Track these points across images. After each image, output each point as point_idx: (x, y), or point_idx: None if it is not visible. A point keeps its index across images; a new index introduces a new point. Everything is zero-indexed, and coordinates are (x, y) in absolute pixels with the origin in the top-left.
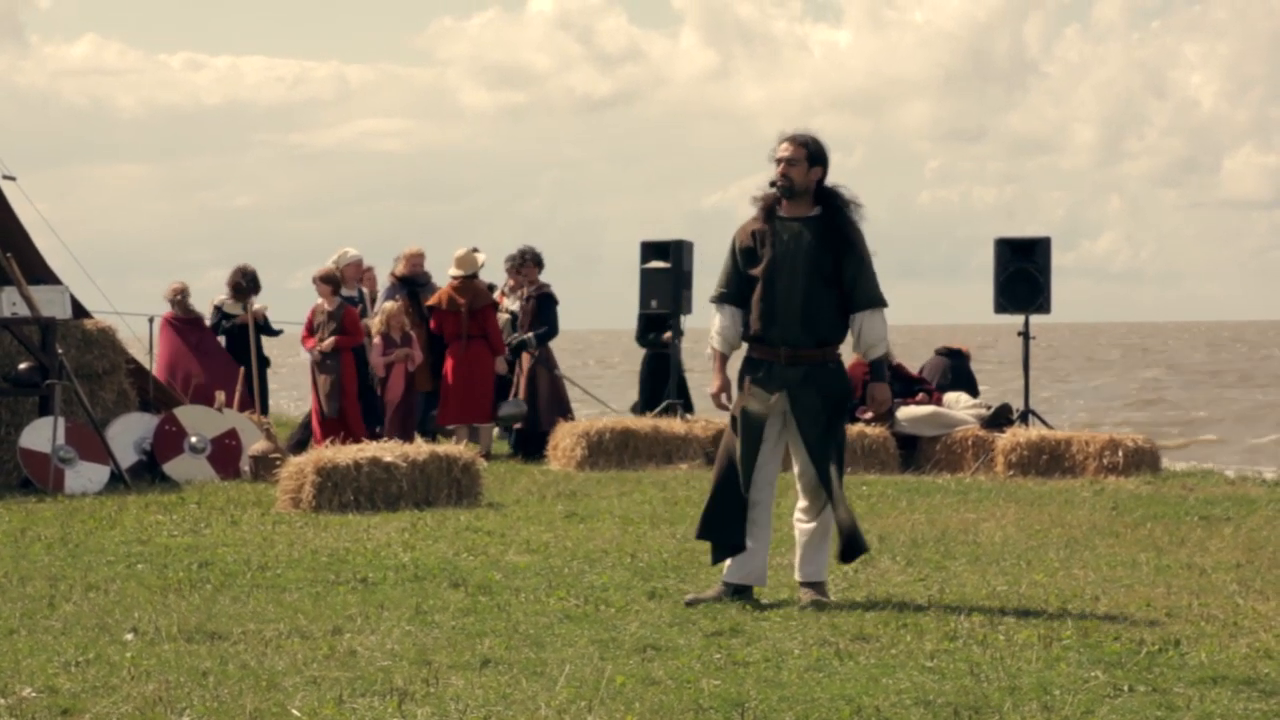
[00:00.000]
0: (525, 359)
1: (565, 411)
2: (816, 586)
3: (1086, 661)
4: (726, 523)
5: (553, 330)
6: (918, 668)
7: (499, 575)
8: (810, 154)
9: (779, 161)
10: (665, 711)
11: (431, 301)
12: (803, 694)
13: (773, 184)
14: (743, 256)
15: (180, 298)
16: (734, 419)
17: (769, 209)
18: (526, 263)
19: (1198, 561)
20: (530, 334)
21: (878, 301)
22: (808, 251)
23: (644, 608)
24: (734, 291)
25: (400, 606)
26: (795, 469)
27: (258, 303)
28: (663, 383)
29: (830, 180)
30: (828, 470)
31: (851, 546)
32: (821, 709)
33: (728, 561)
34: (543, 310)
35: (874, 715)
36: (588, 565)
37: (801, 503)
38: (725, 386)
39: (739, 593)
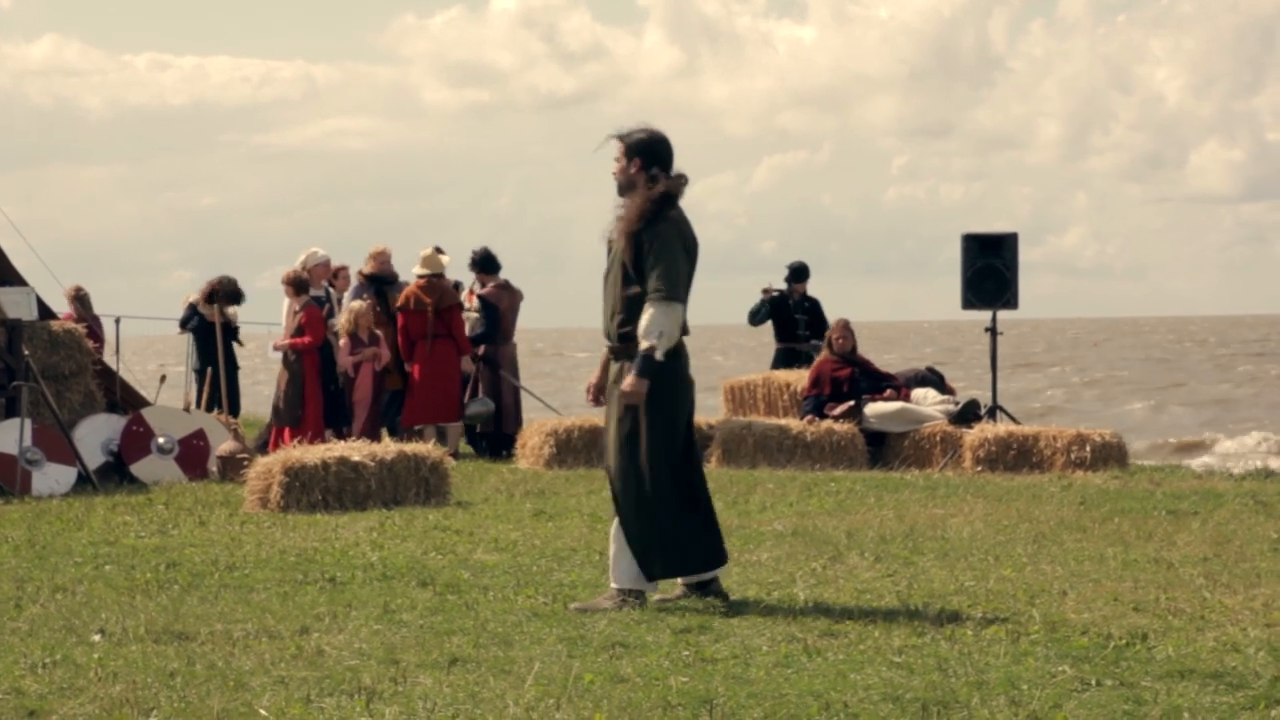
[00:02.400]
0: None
1: (510, 418)
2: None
3: (1054, 656)
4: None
5: (488, 334)
6: (886, 663)
7: (467, 574)
8: (627, 149)
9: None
10: (633, 709)
11: (399, 302)
12: (771, 690)
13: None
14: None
15: (80, 297)
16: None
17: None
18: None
19: (1165, 556)
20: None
21: (661, 293)
22: (617, 246)
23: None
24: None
25: (368, 605)
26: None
27: (232, 310)
28: None
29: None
30: (618, 476)
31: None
32: (789, 705)
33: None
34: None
35: (842, 711)
36: (556, 563)
37: None
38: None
39: (635, 595)
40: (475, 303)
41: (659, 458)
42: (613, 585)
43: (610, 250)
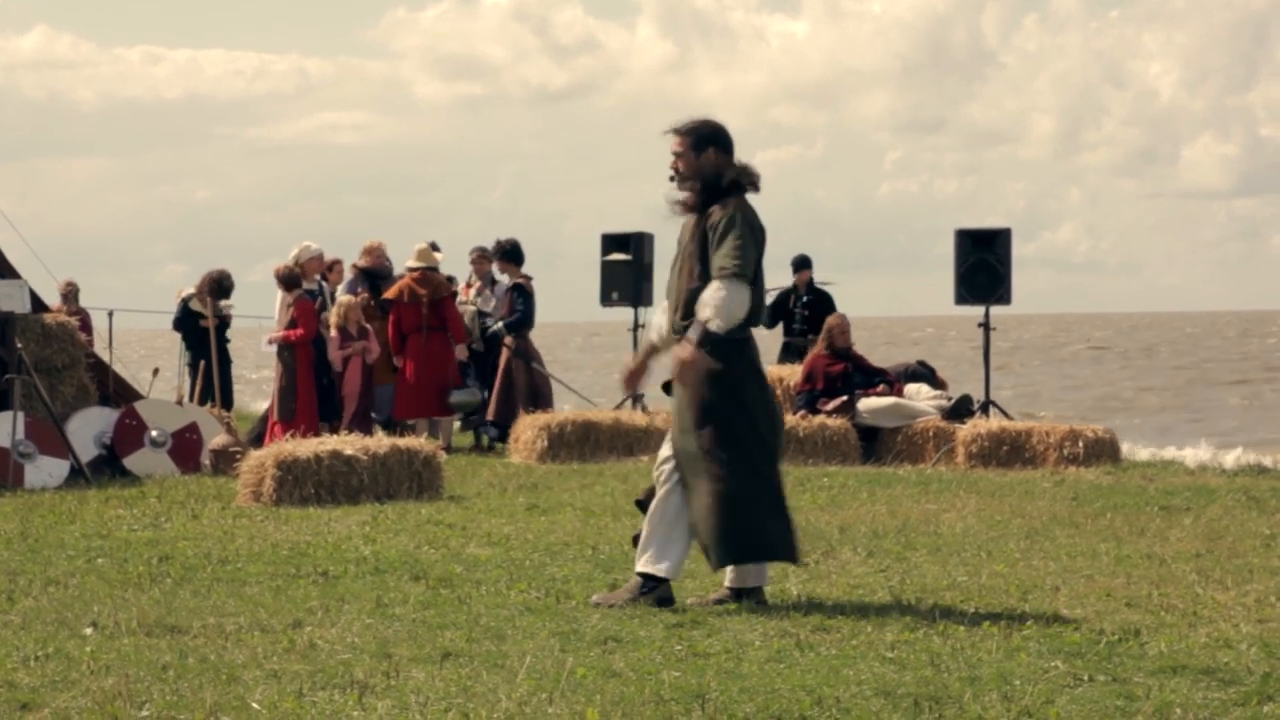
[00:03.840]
0: (504, 351)
1: (545, 405)
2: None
3: (1046, 651)
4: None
5: (524, 319)
6: (878, 658)
7: (460, 568)
8: (693, 141)
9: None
10: (626, 703)
11: (390, 294)
12: (764, 685)
13: (670, 178)
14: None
15: (70, 293)
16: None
17: (682, 202)
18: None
19: (1157, 551)
20: (500, 323)
21: (726, 271)
22: (686, 240)
23: None
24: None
25: (361, 599)
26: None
27: (225, 303)
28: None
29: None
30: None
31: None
32: (782, 700)
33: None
34: (514, 300)
35: (834, 706)
36: (549, 558)
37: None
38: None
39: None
40: (470, 295)
41: (738, 445)
42: (641, 570)
43: (677, 247)
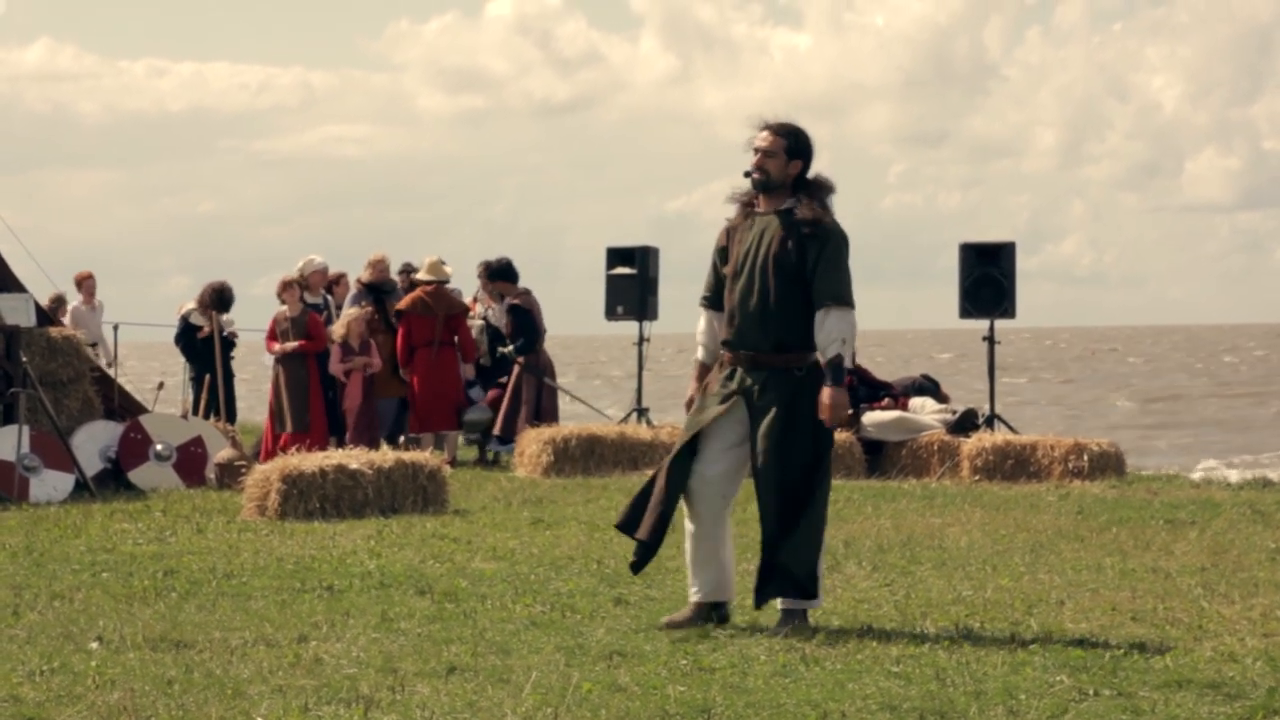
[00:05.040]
0: (515, 368)
1: (550, 420)
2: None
3: (1052, 666)
4: (635, 512)
5: (529, 340)
6: (884, 673)
7: (465, 582)
8: (790, 146)
9: (756, 151)
10: (631, 718)
11: (403, 305)
12: (769, 700)
13: (747, 174)
14: (719, 256)
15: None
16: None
17: (747, 204)
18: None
19: (1163, 565)
20: (511, 347)
21: (840, 299)
22: (772, 246)
23: (610, 614)
24: (714, 295)
25: (366, 614)
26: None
27: (226, 317)
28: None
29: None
30: (775, 491)
31: (781, 587)
32: (787, 715)
33: (695, 582)
34: (516, 321)
35: None
36: (554, 572)
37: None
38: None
39: (714, 608)
40: (477, 310)
41: (827, 473)
42: (696, 598)
43: (745, 253)
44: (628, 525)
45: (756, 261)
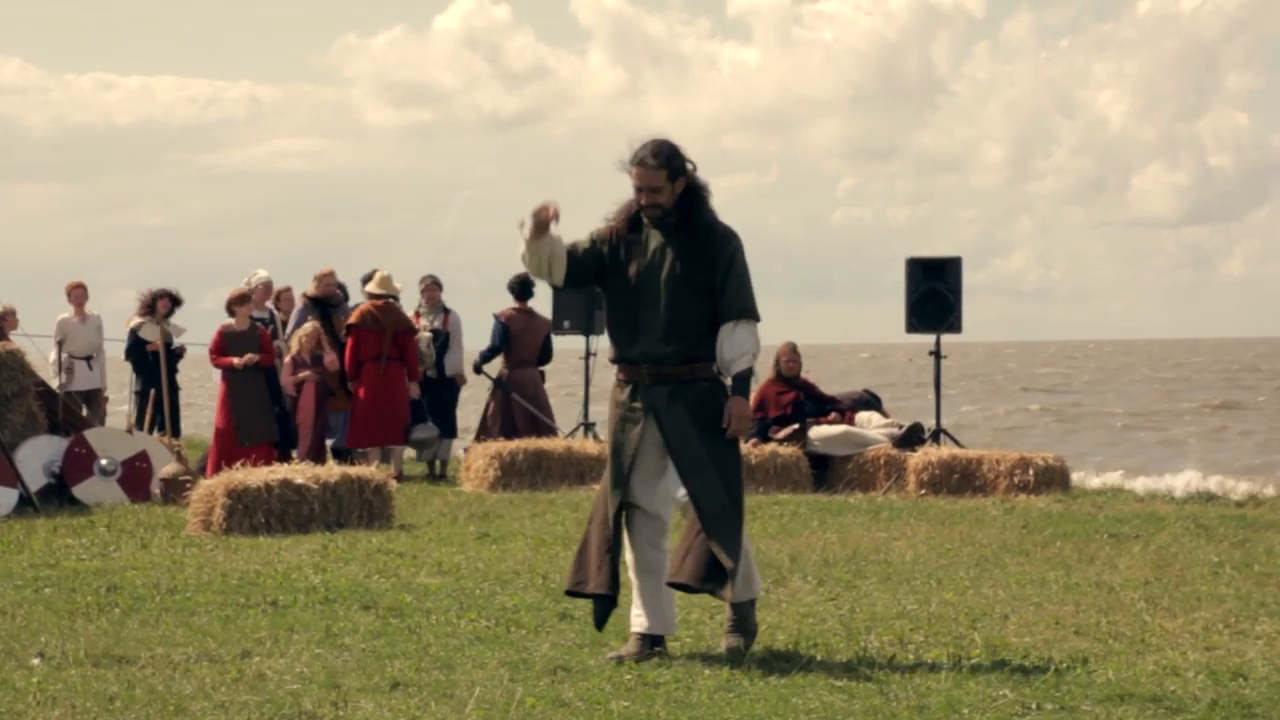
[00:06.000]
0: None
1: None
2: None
3: (995, 680)
4: (580, 571)
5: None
6: (827, 687)
7: (410, 597)
8: (669, 171)
9: (640, 191)
10: None
11: (352, 320)
12: (712, 714)
13: (639, 211)
14: (603, 253)
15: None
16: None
17: (635, 216)
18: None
19: (1106, 579)
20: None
21: (748, 313)
22: (673, 260)
23: (555, 629)
24: (572, 271)
25: (310, 629)
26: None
27: (177, 324)
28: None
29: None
30: (706, 501)
31: (714, 580)
32: None
33: (639, 613)
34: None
35: None
36: (499, 587)
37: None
38: None
39: (655, 643)
40: (421, 324)
41: (742, 478)
42: (639, 629)
43: (645, 267)
44: (578, 586)
45: (659, 274)
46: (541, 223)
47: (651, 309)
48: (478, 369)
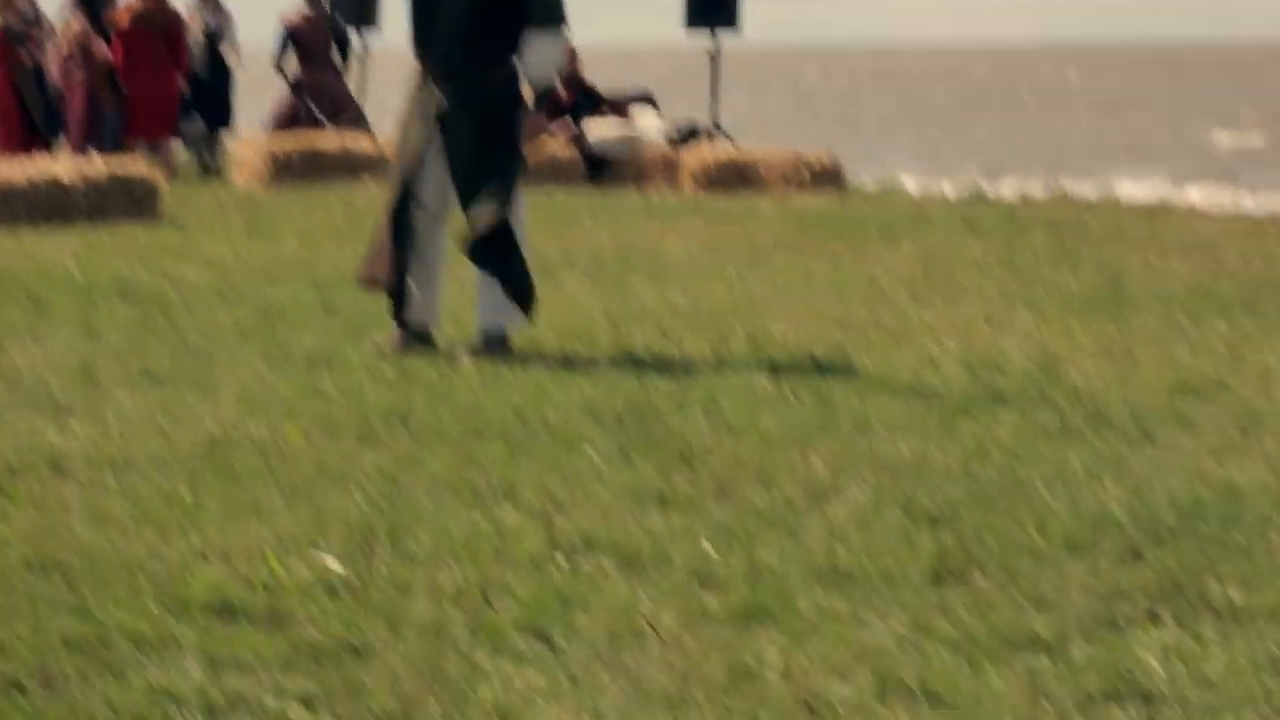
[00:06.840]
0: None
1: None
2: (490, 341)
3: (754, 370)
4: (373, 265)
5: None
6: (588, 379)
7: (173, 291)
8: None
9: None
10: (328, 422)
11: (121, 20)
12: (471, 405)
13: None
14: None
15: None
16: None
17: None
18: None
19: (874, 275)
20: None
21: (556, 18)
22: None
23: (319, 321)
24: None
25: (68, 322)
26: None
27: None
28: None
29: None
30: (478, 190)
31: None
32: (487, 418)
33: (407, 306)
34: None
35: (540, 424)
36: (266, 281)
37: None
38: None
39: (419, 337)
40: (196, 22)
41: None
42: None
43: None
44: (369, 280)
45: None
46: None
47: (454, 5)
48: (277, 68)
